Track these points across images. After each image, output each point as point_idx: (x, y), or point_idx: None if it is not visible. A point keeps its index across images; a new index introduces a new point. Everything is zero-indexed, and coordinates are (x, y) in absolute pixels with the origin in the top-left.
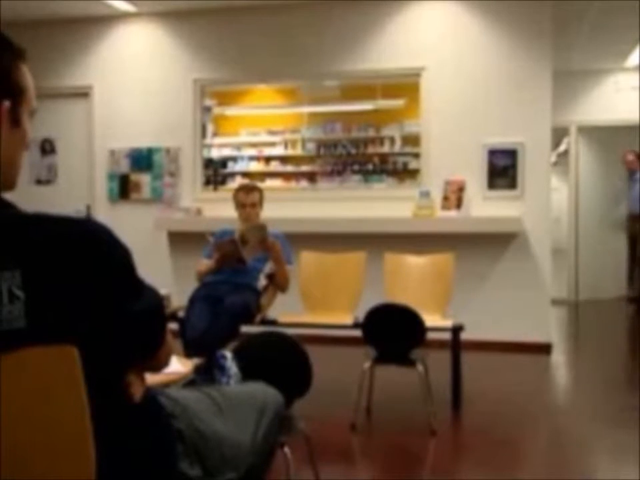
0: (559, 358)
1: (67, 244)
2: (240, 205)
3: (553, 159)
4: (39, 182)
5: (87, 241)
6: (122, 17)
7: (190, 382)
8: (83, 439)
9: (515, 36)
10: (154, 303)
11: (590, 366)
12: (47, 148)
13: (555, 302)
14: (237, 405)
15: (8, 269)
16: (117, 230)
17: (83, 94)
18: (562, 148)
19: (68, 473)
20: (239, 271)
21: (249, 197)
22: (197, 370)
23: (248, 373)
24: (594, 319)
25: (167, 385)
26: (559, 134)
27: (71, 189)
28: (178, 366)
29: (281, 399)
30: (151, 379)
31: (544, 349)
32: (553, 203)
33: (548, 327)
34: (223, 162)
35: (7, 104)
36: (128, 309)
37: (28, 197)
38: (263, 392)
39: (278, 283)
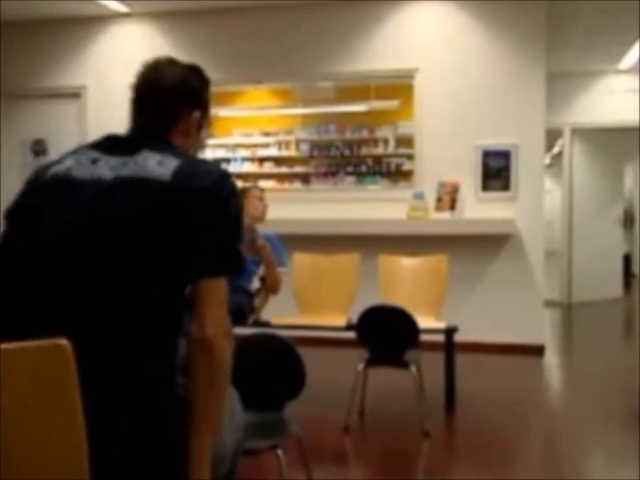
0: (552, 360)
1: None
2: (259, 199)
3: (547, 160)
4: None
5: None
6: (115, 17)
7: None
8: (75, 435)
9: (508, 38)
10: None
11: (583, 367)
12: (39, 149)
13: (549, 304)
14: None
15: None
16: None
17: (76, 94)
18: (556, 150)
19: (61, 471)
20: None
21: (263, 193)
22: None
23: (241, 376)
24: (587, 321)
25: None
26: (553, 136)
27: None
28: None
29: (237, 398)
30: None
31: (537, 350)
32: (546, 204)
33: (541, 328)
34: (217, 163)
35: (197, 114)
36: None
37: None
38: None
39: (268, 284)
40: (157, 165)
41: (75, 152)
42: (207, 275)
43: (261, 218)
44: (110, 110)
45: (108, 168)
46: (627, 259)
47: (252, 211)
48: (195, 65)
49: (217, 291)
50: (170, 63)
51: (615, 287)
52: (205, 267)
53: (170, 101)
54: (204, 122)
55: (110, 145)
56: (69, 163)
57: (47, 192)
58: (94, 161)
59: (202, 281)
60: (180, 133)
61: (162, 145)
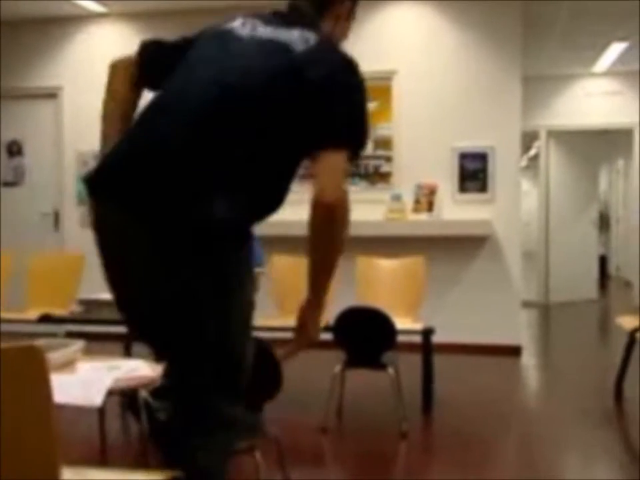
0: (529, 360)
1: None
2: None
3: (524, 162)
4: (5, 184)
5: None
6: (92, 17)
7: (160, 387)
8: (48, 437)
9: (485, 40)
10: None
11: (559, 368)
12: (14, 149)
13: (526, 304)
14: None
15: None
16: (87, 233)
17: (52, 95)
18: (533, 152)
19: (34, 472)
20: None
21: None
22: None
23: None
24: (563, 322)
25: (135, 389)
26: (529, 138)
27: (39, 191)
28: (147, 370)
29: None
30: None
31: (514, 351)
32: (523, 206)
33: (518, 329)
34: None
35: (349, 3)
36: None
37: None
38: None
39: None
40: (300, 40)
41: (243, 17)
42: (327, 146)
43: None
44: (86, 110)
45: (263, 33)
46: (603, 261)
47: None
48: None
49: (337, 162)
50: None
51: (591, 288)
52: (327, 137)
53: None
54: (352, 13)
55: (270, 19)
56: (235, 24)
57: (206, 40)
58: (254, 27)
59: (323, 152)
60: (332, 16)
61: (312, 26)
